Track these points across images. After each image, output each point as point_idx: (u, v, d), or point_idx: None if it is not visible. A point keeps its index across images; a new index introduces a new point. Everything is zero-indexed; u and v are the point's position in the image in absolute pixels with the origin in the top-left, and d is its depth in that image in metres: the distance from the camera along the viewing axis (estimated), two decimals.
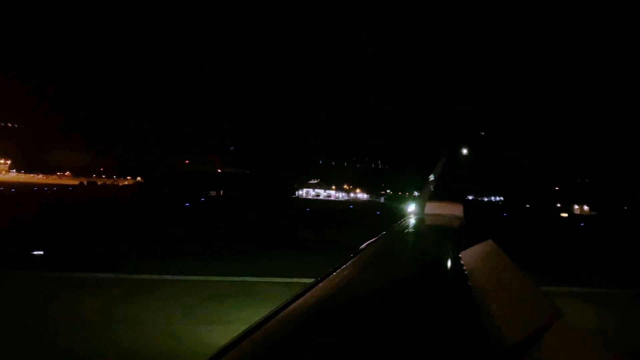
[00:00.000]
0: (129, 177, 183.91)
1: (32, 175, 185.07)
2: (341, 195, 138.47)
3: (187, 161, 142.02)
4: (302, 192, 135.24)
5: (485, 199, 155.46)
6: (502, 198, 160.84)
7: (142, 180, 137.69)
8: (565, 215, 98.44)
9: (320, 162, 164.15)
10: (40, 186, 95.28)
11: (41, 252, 15.36)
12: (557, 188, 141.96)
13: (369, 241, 3.63)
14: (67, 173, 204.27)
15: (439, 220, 6.54)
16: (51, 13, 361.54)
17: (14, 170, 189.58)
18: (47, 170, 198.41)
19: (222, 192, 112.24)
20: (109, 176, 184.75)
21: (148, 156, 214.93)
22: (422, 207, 7.43)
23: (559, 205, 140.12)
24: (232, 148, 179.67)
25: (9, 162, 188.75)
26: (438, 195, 7.71)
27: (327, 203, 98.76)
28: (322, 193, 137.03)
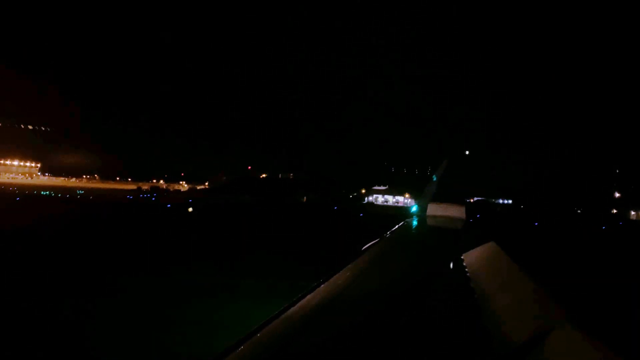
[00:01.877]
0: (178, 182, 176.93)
1: (62, 178, 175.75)
2: (408, 202, 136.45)
3: (249, 167, 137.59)
4: (372, 199, 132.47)
5: (494, 202, 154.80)
6: (510, 201, 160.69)
7: (206, 187, 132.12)
8: None
9: (392, 169, 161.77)
10: (104, 192, 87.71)
11: None
12: (618, 194, 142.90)
13: (372, 242, 3.56)
14: (96, 176, 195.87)
15: (441, 221, 6.45)
16: (86, 20, 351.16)
17: (40, 173, 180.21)
18: (75, 173, 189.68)
19: (305, 198, 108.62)
20: (133, 179, 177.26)
21: (171, 160, 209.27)
22: (424, 208, 7.25)
23: (614, 211, 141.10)
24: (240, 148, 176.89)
25: (39, 165, 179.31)
26: (440, 196, 7.46)
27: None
28: (390, 199, 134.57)
